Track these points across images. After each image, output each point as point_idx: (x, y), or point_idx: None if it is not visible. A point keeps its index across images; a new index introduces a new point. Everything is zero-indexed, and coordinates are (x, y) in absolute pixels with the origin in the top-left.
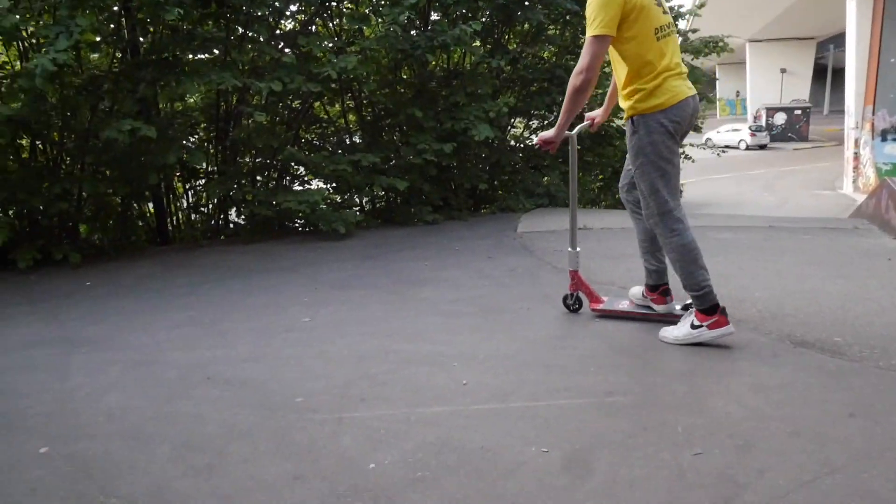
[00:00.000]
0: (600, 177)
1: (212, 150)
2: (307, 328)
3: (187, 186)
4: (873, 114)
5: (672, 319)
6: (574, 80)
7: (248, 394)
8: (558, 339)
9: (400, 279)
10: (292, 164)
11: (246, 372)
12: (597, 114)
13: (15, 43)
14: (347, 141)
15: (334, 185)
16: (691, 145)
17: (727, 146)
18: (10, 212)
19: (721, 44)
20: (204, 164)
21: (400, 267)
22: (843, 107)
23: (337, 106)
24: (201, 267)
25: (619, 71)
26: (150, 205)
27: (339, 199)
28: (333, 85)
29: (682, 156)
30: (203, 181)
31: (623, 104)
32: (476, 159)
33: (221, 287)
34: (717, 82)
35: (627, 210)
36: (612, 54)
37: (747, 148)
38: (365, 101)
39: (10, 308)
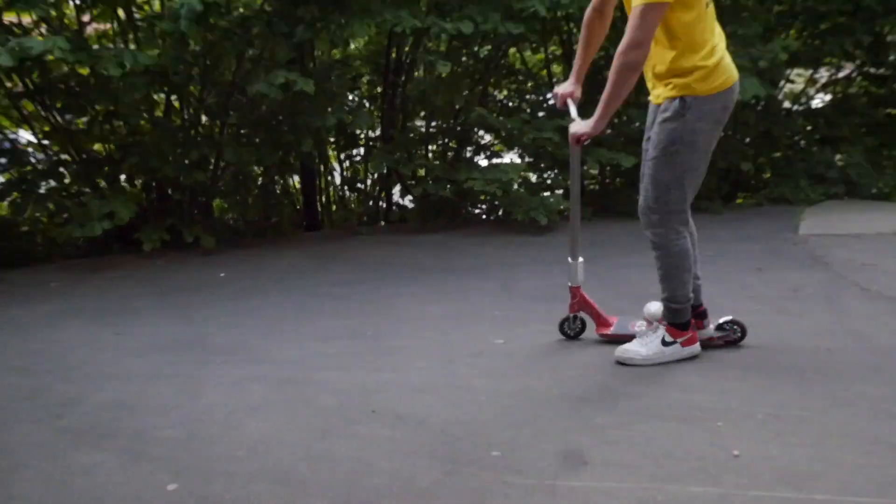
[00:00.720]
0: None
1: (377, 112)
2: (501, 353)
3: (343, 156)
4: None
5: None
6: (627, 56)
7: (427, 437)
8: (887, 401)
9: (625, 293)
10: (478, 130)
11: (422, 407)
12: (570, 89)
13: None
14: (551, 101)
15: (532, 159)
16: None
17: None
18: (138, 182)
19: None
20: (366, 129)
21: (624, 275)
22: None
23: (541, 53)
24: (359, 261)
25: (662, 44)
26: (297, 179)
27: (538, 178)
28: (539, 27)
29: None
30: (364, 150)
31: (665, 84)
32: (736, 127)
33: (386, 289)
34: None
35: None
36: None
37: None
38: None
39: (134, 299)
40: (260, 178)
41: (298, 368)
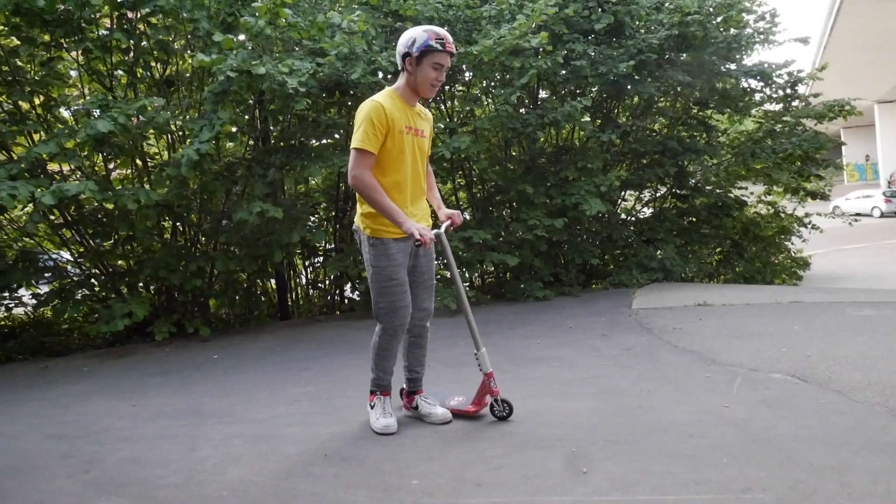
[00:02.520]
0: (718, 249)
1: (331, 229)
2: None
3: (307, 264)
4: None
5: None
6: None
7: (364, 473)
8: (684, 426)
9: (512, 358)
10: None
11: (362, 450)
12: (447, 221)
13: (164, 135)
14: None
15: (444, 261)
16: (819, 214)
17: (859, 214)
18: (152, 288)
19: (847, 107)
20: (323, 242)
21: (512, 345)
22: None
23: (449, 184)
24: (318, 341)
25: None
26: (273, 281)
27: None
28: (445, 164)
29: (810, 225)
30: (322, 258)
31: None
32: (587, 234)
33: (338, 362)
34: (844, 147)
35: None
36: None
37: (882, 215)
38: (476, 179)
39: (148, 378)
40: (244, 282)
41: (270, 426)
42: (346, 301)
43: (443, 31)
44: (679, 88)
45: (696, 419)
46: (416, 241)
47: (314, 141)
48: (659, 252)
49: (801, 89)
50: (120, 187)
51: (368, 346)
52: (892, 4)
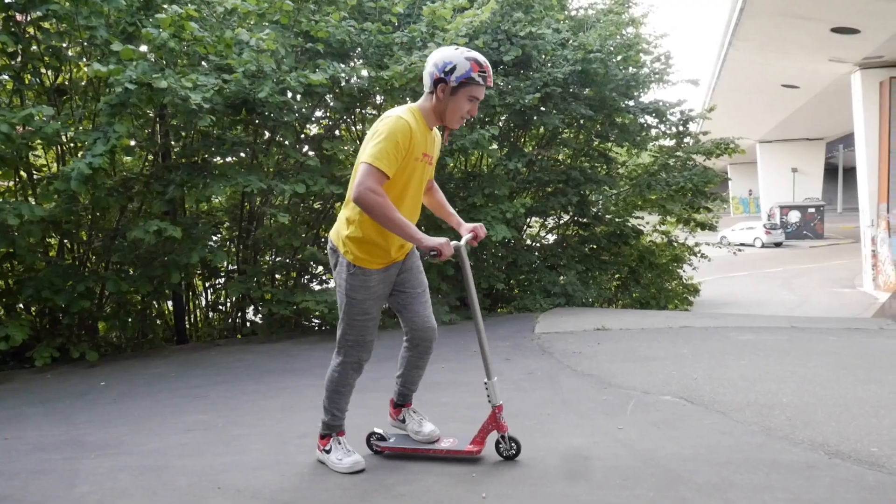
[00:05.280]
0: (617, 276)
1: (234, 250)
2: None
3: (207, 285)
4: (888, 211)
5: None
6: None
7: None
8: (581, 449)
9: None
10: (312, 263)
11: (258, 481)
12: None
13: (53, 147)
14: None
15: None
16: (707, 244)
17: (742, 244)
18: (33, 309)
19: (732, 145)
20: (225, 263)
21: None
22: (857, 204)
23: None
24: (217, 366)
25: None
26: (169, 303)
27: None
28: None
29: (699, 254)
30: (223, 280)
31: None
32: (493, 259)
33: (236, 388)
34: (730, 182)
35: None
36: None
37: (763, 246)
38: None
39: (24, 408)
40: (138, 304)
41: (159, 457)
42: (248, 324)
43: (485, 61)
44: (582, 121)
45: (591, 442)
46: (433, 252)
47: (218, 158)
48: (562, 278)
49: (692, 127)
50: (0, 200)
51: (269, 370)
52: (771, 56)
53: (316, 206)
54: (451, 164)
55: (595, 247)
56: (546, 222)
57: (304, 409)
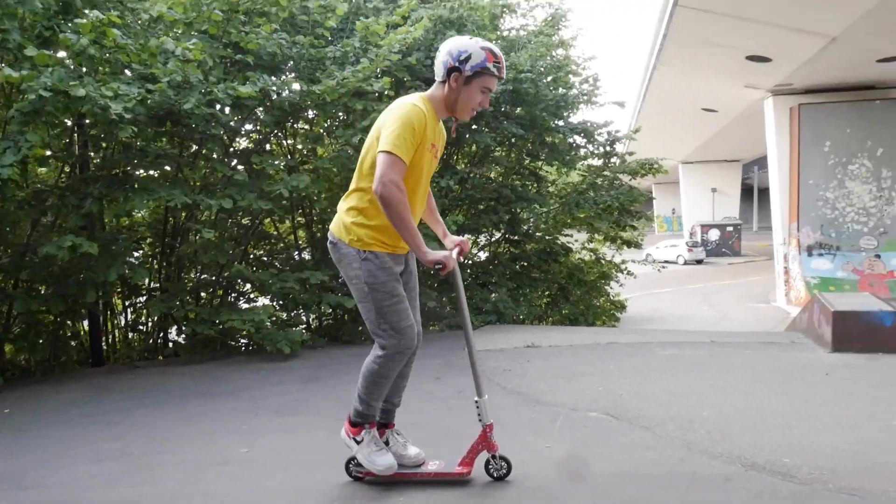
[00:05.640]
0: (547, 293)
1: (157, 266)
2: (244, 460)
3: (127, 304)
4: (798, 230)
5: None
6: None
7: None
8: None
9: (345, 404)
10: (239, 281)
11: None
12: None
13: None
14: (297, 257)
15: (281, 302)
16: (633, 261)
17: (667, 261)
18: None
19: (656, 165)
20: (147, 280)
21: (346, 390)
22: (771, 223)
23: (287, 223)
24: (135, 390)
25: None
26: (85, 323)
27: (286, 316)
28: (285, 202)
29: (626, 271)
30: (145, 298)
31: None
32: (425, 276)
33: (155, 413)
34: (654, 200)
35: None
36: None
37: (685, 263)
38: (315, 219)
39: None
40: (50, 325)
41: (68, 491)
42: (171, 345)
43: (499, 52)
44: (513, 140)
45: (520, 460)
46: (438, 266)
47: (141, 171)
48: (493, 295)
49: (618, 147)
50: None
51: (191, 393)
52: (692, 80)
53: (244, 221)
54: None
55: (526, 264)
56: (478, 240)
57: (226, 435)
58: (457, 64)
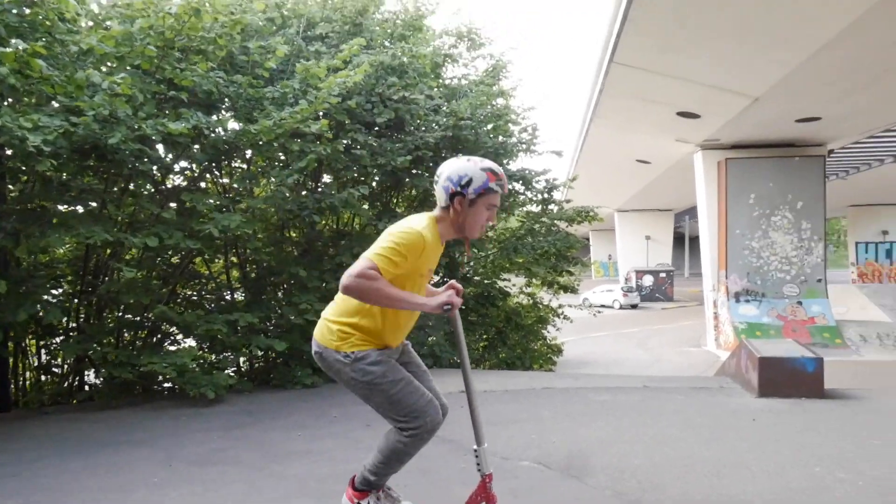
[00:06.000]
0: (485, 336)
1: (76, 305)
2: None
3: (42, 344)
4: (727, 277)
5: None
6: None
7: None
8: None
9: (268, 452)
10: (164, 323)
11: None
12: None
13: None
14: (229, 297)
15: (208, 344)
16: (570, 306)
17: (603, 305)
18: None
19: (592, 213)
20: (64, 321)
21: (271, 437)
22: (702, 270)
23: (220, 261)
24: (40, 439)
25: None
26: None
27: (214, 358)
28: (218, 241)
29: (562, 315)
30: (61, 339)
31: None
32: None
33: (58, 464)
34: (591, 247)
35: None
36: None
37: (621, 307)
38: (249, 259)
39: None
40: None
41: None
42: (87, 388)
43: (500, 169)
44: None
45: None
46: (446, 307)
47: (64, 206)
48: (430, 338)
49: (556, 195)
50: None
51: (103, 442)
52: (627, 133)
53: (174, 260)
54: (322, 222)
55: (463, 308)
56: None
57: (134, 489)
58: (458, 189)
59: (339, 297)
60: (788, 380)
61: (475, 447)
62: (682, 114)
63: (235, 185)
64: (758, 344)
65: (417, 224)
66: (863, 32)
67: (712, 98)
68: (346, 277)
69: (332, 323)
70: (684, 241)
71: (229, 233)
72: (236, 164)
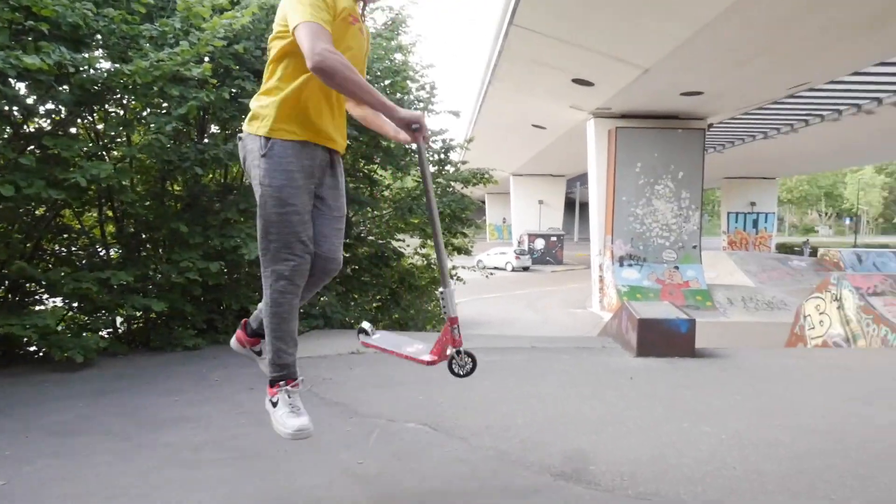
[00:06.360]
0: (378, 297)
1: None
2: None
3: None
4: (612, 242)
5: None
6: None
7: None
8: (315, 489)
9: (140, 420)
10: (26, 281)
11: None
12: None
13: None
14: (103, 253)
15: (77, 304)
16: (463, 267)
17: (496, 267)
18: None
19: (487, 175)
20: None
21: (144, 404)
22: (590, 235)
23: (94, 215)
24: None
25: None
26: None
27: (86, 320)
28: (90, 192)
29: (455, 277)
30: None
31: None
32: (247, 278)
33: None
34: (486, 209)
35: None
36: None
37: (513, 269)
38: (127, 213)
39: None
40: None
41: None
42: None
43: None
44: (349, 142)
45: (328, 480)
46: (414, 126)
47: None
48: (322, 298)
49: (452, 156)
50: None
51: None
52: (524, 97)
53: (39, 212)
54: (208, 176)
55: (357, 268)
56: None
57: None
58: None
59: (264, 81)
60: (664, 340)
61: (440, 290)
62: (577, 81)
63: (108, 132)
64: (638, 306)
65: None
66: (747, 10)
67: (606, 67)
68: (310, 54)
69: (254, 104)
70: (575, 207)
71: (100, 183)
72: (112, 110)
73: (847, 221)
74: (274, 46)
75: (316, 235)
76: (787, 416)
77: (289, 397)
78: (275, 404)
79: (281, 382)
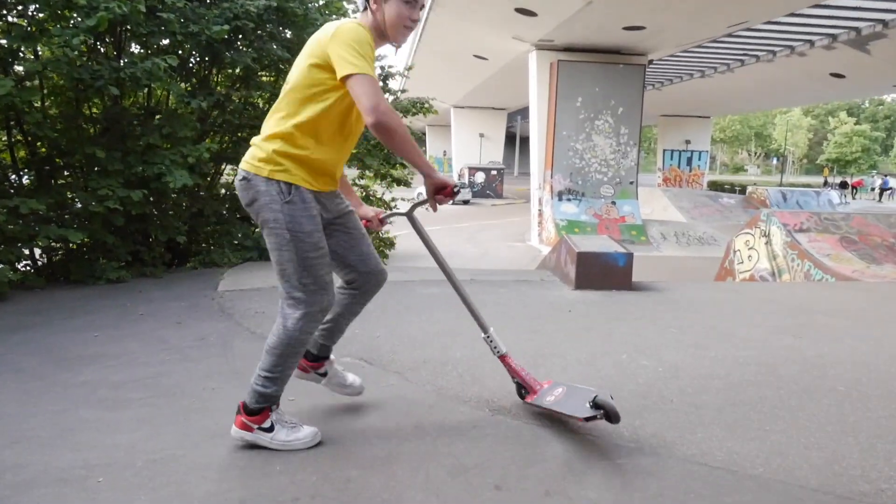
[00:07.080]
0: None
1: None
2: None
3: None
4: (552, 177)
5: None
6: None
7: None
8: None
9: (55, 358)
10: None
11: None
12: (372, 213)
13: None
14: (14, 179)
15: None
16: (403, 199)
17: None
18: None
19: (427, 105)
20: None
21: (60, 340)
22: (530, 169)
23: (3, 138)
24: None
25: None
26: None
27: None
28: None
29: (395, 207)
30: None
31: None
32: (174, 209)
33: None
34: (427, 141)
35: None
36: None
37: (453, 203)
38: (39, 136)
39: None
40: None
41: None
42: None
43: None
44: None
45: None
46: (456, 188)
47: None
48: (256, 230)
49: (392, 84)
50: None
51: None
52: (466, 26)
53: None
54: (130, 99)
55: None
56: (236, 171)
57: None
58: None
59: (275, 119)
60: (602, 273)
61: (483, 335)
62: (519, 10)
63: (14, 46)
64: (576, 239)
65: (352, 21)
66: None
67: None
68: (372, 109)
69: (268, 146)
70: (515, 141)
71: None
72: (13, 20)
73: (774, 161)
74: (306, 83)
75: (357, 258)
76: (721, 349)
77: (284, 420)
78: (268, 429)
79: (273, 406)
